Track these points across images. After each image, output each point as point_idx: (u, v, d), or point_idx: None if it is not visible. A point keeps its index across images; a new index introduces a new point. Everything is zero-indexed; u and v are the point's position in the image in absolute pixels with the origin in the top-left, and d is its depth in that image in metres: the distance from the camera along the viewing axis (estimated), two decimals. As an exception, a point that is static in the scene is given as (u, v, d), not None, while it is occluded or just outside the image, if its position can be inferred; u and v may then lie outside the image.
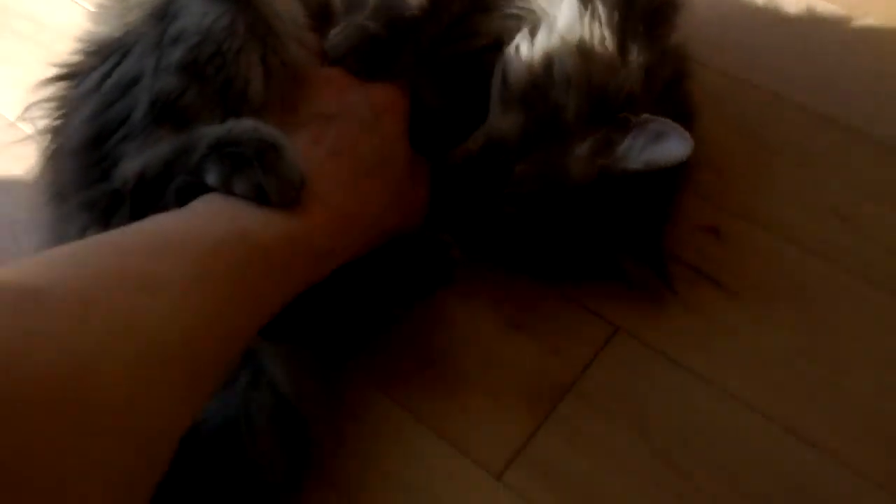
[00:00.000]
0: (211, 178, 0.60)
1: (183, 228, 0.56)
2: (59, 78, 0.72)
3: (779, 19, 1.04)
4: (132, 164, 0.64)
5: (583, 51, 0.71)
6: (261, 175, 0.58)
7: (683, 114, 0.76)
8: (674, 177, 0.75)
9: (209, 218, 0.58)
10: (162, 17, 0.67)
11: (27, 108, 0.72)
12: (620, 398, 0.73)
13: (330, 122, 0.67)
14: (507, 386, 0.73)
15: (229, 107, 0.65)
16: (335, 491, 0.67)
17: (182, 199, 0.61)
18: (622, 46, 0.72)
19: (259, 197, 0.58)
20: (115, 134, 0.66)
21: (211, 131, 0.62)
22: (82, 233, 0.65)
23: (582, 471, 0.68)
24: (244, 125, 0.61)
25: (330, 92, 0.69)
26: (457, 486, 0.68)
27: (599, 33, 0.72)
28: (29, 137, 0.75)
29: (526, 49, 0.72)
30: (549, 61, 0.71)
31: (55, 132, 0.72)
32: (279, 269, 0.57)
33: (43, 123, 0.72)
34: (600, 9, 0.72)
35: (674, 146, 0.69)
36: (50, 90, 0.72)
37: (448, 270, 0.70)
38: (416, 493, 0.68)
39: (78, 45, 0.72)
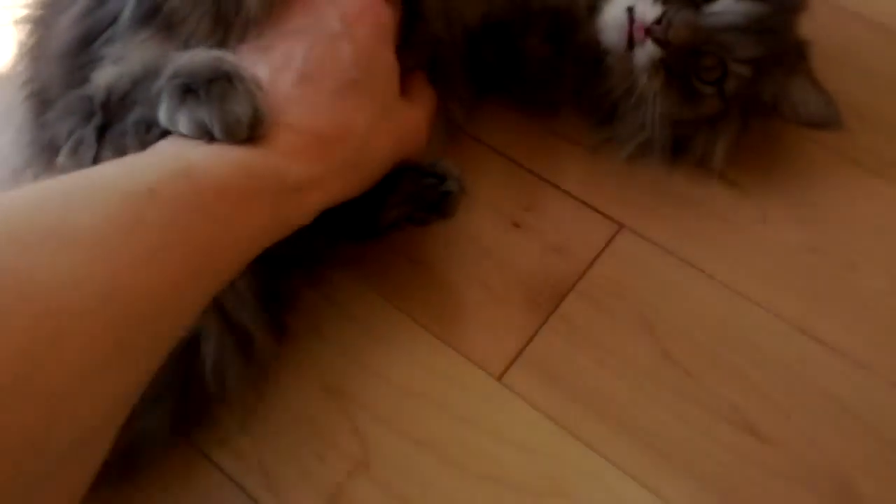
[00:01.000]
0: (161, 113, 0.54)
1: (122, 172, 0.49)
2: None
3: None
4: (105, 73, 0.59)
5: None
6: (204, 109, 0.52)
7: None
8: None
9: (153, 158, 0.52)
10: None
11: None
12: (624, 297, 0.71)
13: (297, 40, 0.59)
14: (508, 286, 0.71)
15: (221, 17, 0.59)
16: (334, 398, 0.65)
17: (141, 135, 0.56)
18: None
19: (203, 136, 0.52)
20: (102, 35, 0.60)
21: (176, 59, 0.56)
22: (69, 136, 0.60)
23: (583, 369, 0.67)
24: (206, 55, 0.55)
25: (298, 6, 0.62)
26: (457, 388, 0.66)
27: None
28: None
29: None
30: None
31: (37, 23, 0.66)
32: (237, 208, 0.50)
33: (23, 13, 0.67)
34: None
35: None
36: None
37: (446, 204, 0.66)
38: (415, 396, 0.66)
39: None
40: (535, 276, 0.71)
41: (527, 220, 0.75)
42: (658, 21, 0.67)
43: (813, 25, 0.74)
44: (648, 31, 0.67)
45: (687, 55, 0.68)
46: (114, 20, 0.60)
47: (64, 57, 0.62)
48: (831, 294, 0.71)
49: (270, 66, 0.58)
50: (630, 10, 0.69)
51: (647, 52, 0.68)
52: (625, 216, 0.75)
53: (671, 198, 0.76)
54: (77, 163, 0.59)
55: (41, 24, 0.66)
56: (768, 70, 0.70)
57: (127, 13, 0.59)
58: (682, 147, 0.74)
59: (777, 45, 0.70)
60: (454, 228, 0.73)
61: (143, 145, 0.54)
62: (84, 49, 0.61)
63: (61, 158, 0.59)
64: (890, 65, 0.85)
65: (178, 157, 0.50)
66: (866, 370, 0.66)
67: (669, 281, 0.71)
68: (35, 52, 0.66)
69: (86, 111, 0.60)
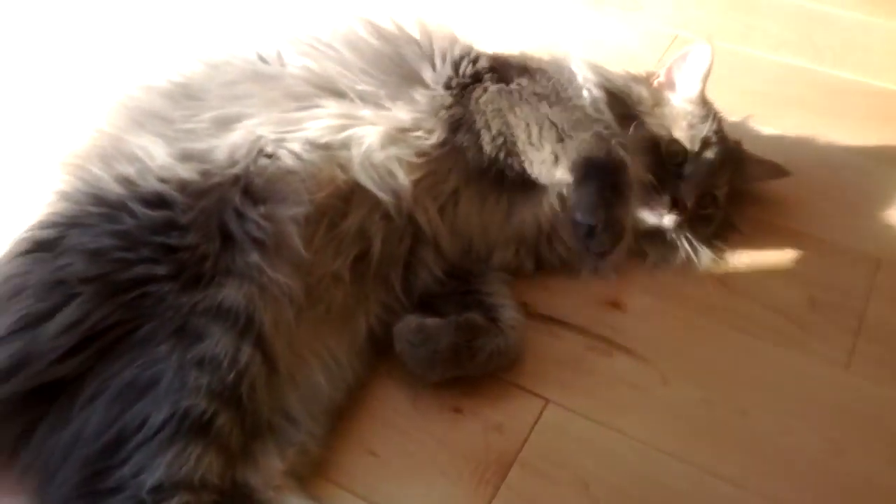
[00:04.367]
0: None
1: None
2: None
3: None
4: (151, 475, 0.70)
5: None
6: None
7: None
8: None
9: None
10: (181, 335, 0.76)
11: None
12: (560, 463, 0.81)
13: None
14: (458, 464, 0.80)
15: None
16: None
17: None
18: None
19: None
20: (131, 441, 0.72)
21: None
22: None
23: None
24: None
25: None
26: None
27: None
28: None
29: None
30: None
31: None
32: None
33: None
34: None
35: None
36: None
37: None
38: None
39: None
40: (480, 453, 0.81)
41: (466, 404, 0.85)
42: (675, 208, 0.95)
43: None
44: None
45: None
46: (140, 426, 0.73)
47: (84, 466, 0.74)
48: (728, 438, 0.83)
49: None
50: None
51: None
52: (548, 392, 0.87)
53: (584, 371, 0.89)
54: None
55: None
56: (734, 173, 1.01)
57: (157, 421, 0.73)
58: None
59: (732, 157, 1.00)
60: (401, 417, 0.84)
61: None
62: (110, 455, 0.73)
63: None
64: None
65: None
66: (769, 500, 0.78)
67: (595, 444, 0.83)
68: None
69: None
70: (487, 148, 0.92)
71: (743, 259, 1.00)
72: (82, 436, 0.74)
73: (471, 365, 0.85)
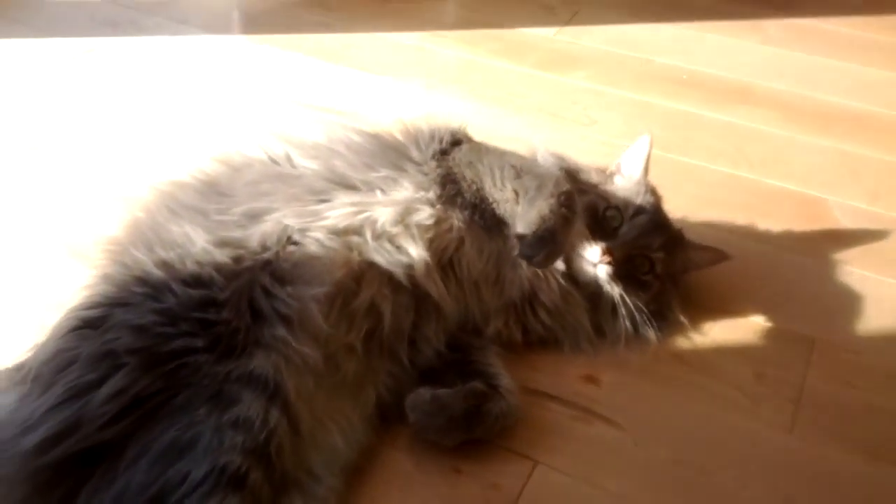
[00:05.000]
0: None
1: None
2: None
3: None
4: None
5: None
6: None
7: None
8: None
9: None
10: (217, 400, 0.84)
11: None
12: (551, 514, 0.91)
13: None
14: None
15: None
16: None
17: None
18: None
19: None
20: (174, 494, 0.79)
21: None
22: None
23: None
24: None
25: None
26: None
27: None
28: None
29: None
30: None
31: None
32: None
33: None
34: None
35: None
36: None
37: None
38: None
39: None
40: (480, 509, 0.91)
41: (465, 466, 0.96)
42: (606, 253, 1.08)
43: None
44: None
45: (626, 263, 1.09)
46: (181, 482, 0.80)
47: None
48: (693, 492, 0.95)
49: None
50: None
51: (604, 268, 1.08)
52: (537, 455, 0.98)
53: (567, 437, 1.01)
54: None
55: None
56: (673, 251, 1.13)
57: (198, 477, 0.80)
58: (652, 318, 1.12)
59: (667, 231, 1.15)
60: (405, 478, 0.93)
61: None
62: None
63: None
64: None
65: None
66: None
67: (578, 499, 0.94)
68: None
69: None
70: (467, 196, 1.06)
71: (697, 339, 1.15)
72: (127, 493, 0.81)
73: (480, 429, 0.96)
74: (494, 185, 1.06)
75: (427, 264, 1.00)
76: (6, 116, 1.53)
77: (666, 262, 1.13)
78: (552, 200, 1.01)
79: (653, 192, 1.18)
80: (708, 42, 1.96)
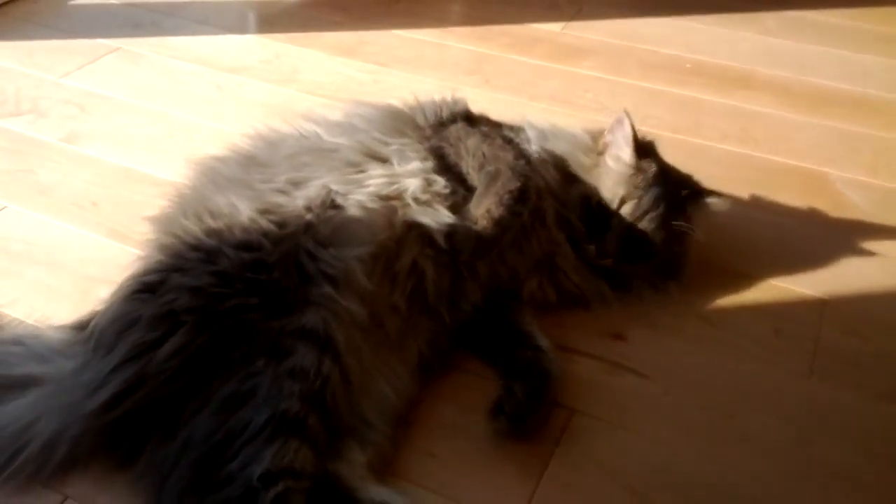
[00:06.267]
0: None
1: None
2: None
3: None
4: (259, 466, 0.84)
5: None
6: None
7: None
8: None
9: None
10: (273, 353, 0.90)
11: None
12: (589, 458, 0.97)
13: None
14: (504, 460, 0.96)
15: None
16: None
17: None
18: None
19: None
20: (237, 440, 0.86)
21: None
22: None
23: None
24: None
25: None
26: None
27: None
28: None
29: None
30: None
31: None
32: None
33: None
34: None
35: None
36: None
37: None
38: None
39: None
40: (521, 454, 0.97)
41: (506, 414, 1.01)
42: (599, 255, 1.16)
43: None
44: None
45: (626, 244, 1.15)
46: (243, 429, 0.86)
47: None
48: (722, 435, 1.01)
49: None
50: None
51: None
52: (574, 403, 1.03)
53: (600, 387, 1.07)
54: None
55: None
56: (678, 215, 1.17)
57: (258, 423, 0.86)
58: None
59: (667, 203, 1.15)
60: (449, 428, 1.00)
61: None
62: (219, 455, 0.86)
63: None
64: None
65: None
66: (754, 479, 0.95)
67: (614, 443, 1.00)
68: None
69: None
70: (455, 172, 1.12)
71: (717, 300, 1.21)
72: (191, 442, 0.87)
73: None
74: (468, 172, 1.13)
75: (464, 226, 1.06)
76: (42, 112, 1.59)
77: (668, 227, 1.16)
78: (493, 199, 1.07)
79: (645, 168, 1.17)
80: (709, 34, 2.05)
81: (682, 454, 0.98)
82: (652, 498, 0.93)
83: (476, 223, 1.05)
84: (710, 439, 1.01)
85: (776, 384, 1.09)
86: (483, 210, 1.06)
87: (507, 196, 1.07)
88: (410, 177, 1.08)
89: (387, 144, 1.13)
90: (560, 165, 1.18)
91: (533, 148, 1.19)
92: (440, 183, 1.09)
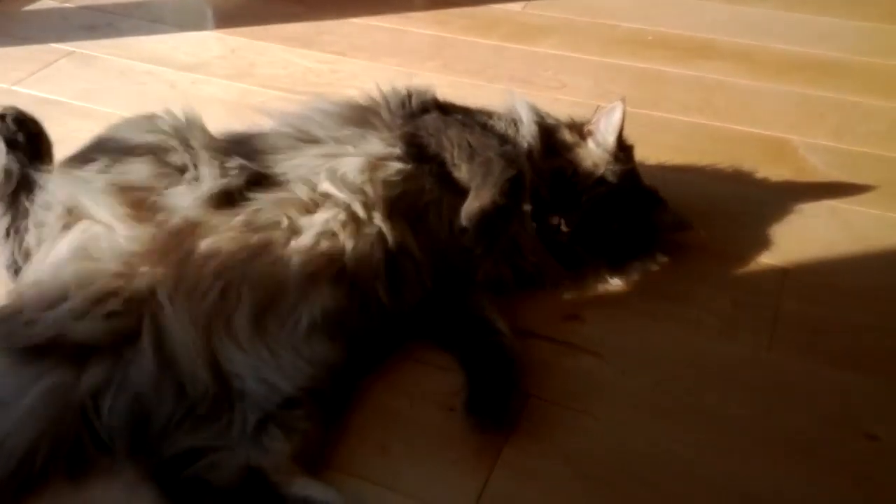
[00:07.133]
0: None
1: None
2: None
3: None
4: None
5: None
6: None
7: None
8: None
9: None
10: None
11: None
12: (545, 443, 0.96)
13: None
14: (458, 450, 0.94)
15: None
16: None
17: None
18: None
19: None
20: None
21: None
22: None
23: (531, 499, 0.90)
24: None
25: None
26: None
27: None
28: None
29: None
30: None
31: None
32: None
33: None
34: None
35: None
36: None
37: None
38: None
39: None
40: (474, 442, 0.95)
41: (458, 402, 1.00)
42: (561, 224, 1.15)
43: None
44: None
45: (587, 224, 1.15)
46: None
47: None
48: (680, 412, 1.00)
49: None
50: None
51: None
52: (528, 387, 1.02)
53: (557, 370, 1.05)
54: None
55: None
56: (639, 211, 1.19)
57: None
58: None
59: (633, 196, 1.19)
60: (400, 417, 0.97)
61: None
62: None
63: None
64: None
65: None
66: (720, 452, 0.94)
67: (571, 426, 0.98)
68: None
69: None
70: (433, 162, 1.10)
71: (675, 274, 1.19)
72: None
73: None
74: (454, 163, 1.10)
75: (390, 215, 1.05)
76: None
77: (630, 219, 1.17)
78: (495, 190, 1.05)
79: (624, 159, 1.20)
80: (671, 4, 2.03)
81: (641, 435, 0.97)
82: (610, 481, 0.92)
83: (483, 213, 1.04)
84: (668, 418, 0.99)
85: (735, 357, 1.07)
86: (488, 200, 1.04)
87: (506, 184, 1.06)
88: (356, 156, 1.07)
89: (341, 129, 1.12)
90: (545, 136, 1.19)
91: (523, 121, 1.20)
92: (393, 169, 1.07)
